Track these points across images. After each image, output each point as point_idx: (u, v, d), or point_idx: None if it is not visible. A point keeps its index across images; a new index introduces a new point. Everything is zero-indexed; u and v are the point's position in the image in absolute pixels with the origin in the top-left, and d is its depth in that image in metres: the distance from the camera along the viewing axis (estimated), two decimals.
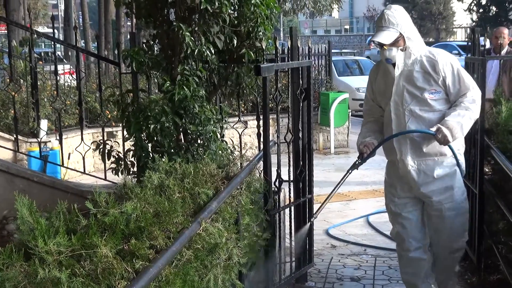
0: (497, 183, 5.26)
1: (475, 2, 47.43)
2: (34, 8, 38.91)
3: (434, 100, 4.71)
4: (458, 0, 49.48)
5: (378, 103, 5.06)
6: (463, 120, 4.59)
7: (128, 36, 26.81)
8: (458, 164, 4.75)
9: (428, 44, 6.74)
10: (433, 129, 4.60)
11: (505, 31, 9.64)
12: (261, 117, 5.18)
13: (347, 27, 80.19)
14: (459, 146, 4.79)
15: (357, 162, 4.93)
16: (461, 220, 4.86)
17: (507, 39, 9.62)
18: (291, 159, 5.48)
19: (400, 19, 4.73)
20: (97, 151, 5.79)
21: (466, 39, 40.42)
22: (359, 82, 19.90)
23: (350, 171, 4.92)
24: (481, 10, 47.51)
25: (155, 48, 5.33)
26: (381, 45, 4.71)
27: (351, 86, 19.27)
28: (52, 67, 12.54)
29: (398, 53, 4.71)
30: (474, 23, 46.38)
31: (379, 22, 4.78)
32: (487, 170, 5.58)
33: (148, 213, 3.20)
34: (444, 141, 4.56)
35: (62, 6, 45.78)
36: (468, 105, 4.64)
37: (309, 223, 5.36)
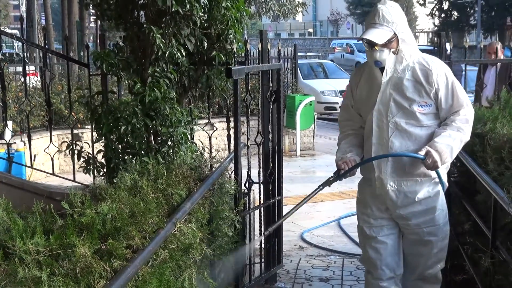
0: (464, 184, 5.33)
1: (437, 7, 48.08)
2: None
3: (423, 114, 4.19)
4: (420, 5, 50.15)
5: (358, 111, 4.50)
6: (454, 143, 4.14)
7: (91, 38, 26.55)
8: (441, 183, 4.30)
9: None
10: (422, 152, 4.10)
11: (498, 45, 9.64)
12: (232, 119, 5.20)
13: (310, 30, 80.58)
14: (443, 168, 4.30)
15: (331, 178, 4.45)
16: (442, 245, 4.41)
17: (500, 52, 9.63)
18: (261, 161, 5.53)
19: (396, 18, 4.15)
20: (63, 153, 5.77)
21: (429, 44, 41.03)
22: (324, 85, 20.15)
23: (321, 187, 4.48)
24: (443, 15, 48.20)
25: (125, 50, 5.34)
26: (371, 45, 4.14)
27: (316, 89, 19.38)
28: (13, 69, 12.52)
29: (389, 56, 4.15)
30: (436, 28, 47.01)
31: (371, 19, 4.19)
32: (453, 172, 5.67)
33: (124, 214, 3.23)
34: (433, 167, 4.11)
35: (23, 7, 45.24)
36: (460, 125, 4.18)
37: (262, 236, 5.04)
